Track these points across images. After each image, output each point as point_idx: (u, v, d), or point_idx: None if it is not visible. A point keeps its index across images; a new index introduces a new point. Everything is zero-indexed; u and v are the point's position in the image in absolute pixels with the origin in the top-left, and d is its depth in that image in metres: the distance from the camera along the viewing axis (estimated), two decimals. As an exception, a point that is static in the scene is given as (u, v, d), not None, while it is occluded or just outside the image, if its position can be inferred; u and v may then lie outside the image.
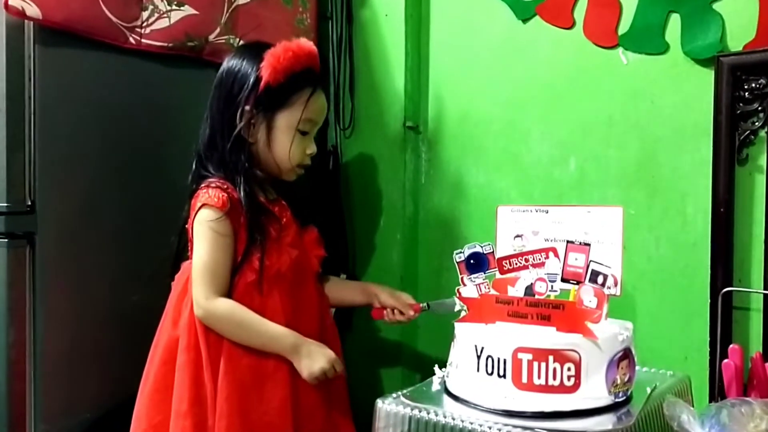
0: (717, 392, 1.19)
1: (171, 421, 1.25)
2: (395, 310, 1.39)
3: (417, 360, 1.65)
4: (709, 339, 1.25)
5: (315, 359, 1.23)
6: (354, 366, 1.45)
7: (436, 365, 1.17)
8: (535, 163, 1.48)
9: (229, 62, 1.31)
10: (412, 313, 1.38)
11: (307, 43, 1.28)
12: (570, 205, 1.16)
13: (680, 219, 1.30)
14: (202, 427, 1.22)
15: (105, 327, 1.41)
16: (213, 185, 1.26)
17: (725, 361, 1.17)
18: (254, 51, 1.28)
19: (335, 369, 1.24)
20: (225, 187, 1.26)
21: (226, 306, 1.23)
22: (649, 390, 1.07)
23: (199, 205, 1.25)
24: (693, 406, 1.16)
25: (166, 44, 1.42)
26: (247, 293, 1.25)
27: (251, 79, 1.26)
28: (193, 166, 1.32)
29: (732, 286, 1.23)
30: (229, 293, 1.25)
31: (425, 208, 1.66)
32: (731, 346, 1.18)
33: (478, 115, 1.57)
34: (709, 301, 1.25)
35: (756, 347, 1.21)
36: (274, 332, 1.24)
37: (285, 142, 1.30)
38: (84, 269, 1.37)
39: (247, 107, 1.27)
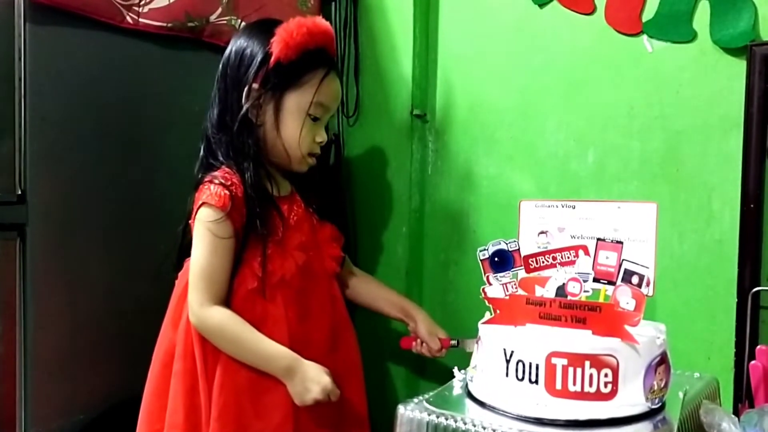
0: (744, 394, 1.15)
1: (165, 431, 1.18)
2: (424, 344, 1.33)
3: (420, 361, 1.59)
4: (734, 339, 1.20)
5: (308, 387, 1.14)
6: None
7: (455, 367, 1.11)
8: (551, 155, 1.42)
9: (238, 39, 1.23)
10: (441, 352, 1.32)
11: (322, 21, 1.21)
12: (599, 200, 1.11)
13: (706, 215, 1.25)
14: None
15: (99, 324, 1.34)
16: (216, 180, 1.17)
17: (753, 362, 1.12)
18: (265, 27, 1.21)
19: (332, 396, 1.15)
20: (229, 183, 1.17)
21: (219, 317, 1.15)
22: (681, 395, 1.02)
23: (199, 202, 1.17)
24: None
25: (165, 24, 1.34)
26: (248, 300, 1.18)
27: (260, 56, 1.18)
28: (201, 152, 1.24)
29: (760, 285, 1.18)
30: (229, 298, 1.18)
31: (432, 201, 1.60)
32: (759, 347, 1.13)
33: (490, 104, 1.51)
34: (735, 300, 1.20)
35: (784, 349, 1.17)
36: (268, 352, 1.15)
37: (294, 126, 1.21)
38: (78, 263, 1.30)
39: (255, 85, 1.19)
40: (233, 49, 1.23)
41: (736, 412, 1.16)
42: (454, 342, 1.32)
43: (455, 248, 1.57)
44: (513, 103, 1.47)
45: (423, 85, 1.59)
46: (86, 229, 1.31)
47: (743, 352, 1.17)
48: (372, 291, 1.40)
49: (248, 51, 1.20)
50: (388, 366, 1.65)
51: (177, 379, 1.19)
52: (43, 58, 1.22)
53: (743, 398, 1.15)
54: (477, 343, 1.04)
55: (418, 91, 1.58)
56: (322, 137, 1.26)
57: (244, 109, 1.19)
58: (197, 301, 1.16)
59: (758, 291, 1.18)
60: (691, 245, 1.27)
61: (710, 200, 1.25)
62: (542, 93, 1.43)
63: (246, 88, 1.19)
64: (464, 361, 1.10)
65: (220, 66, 1.24)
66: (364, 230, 1.69)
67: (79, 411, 1.32)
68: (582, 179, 1.38)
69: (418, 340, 1.35)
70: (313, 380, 1.14)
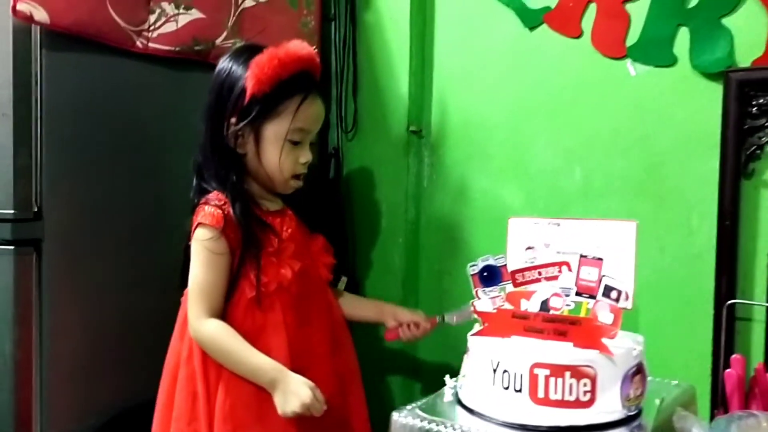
0: (719, 402, 1.22)
1: None
2: (410, 325, 1.39)
3: (416, 368, 1.67)
4: (711, 349, 1.27)
5: (288, 400, 1.17)
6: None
7: (447, 375, 1.18)
8: (540, 171, 1.49)
9: (219, 67, 1.28)
10: (428, 325, 1.38)
11: (296, 47, 1.22)
12: (582, 218, 1.17)
13: (685, 230, 1.32)
14: None
15: (112, 334, 1.40)
16: (211, 202, 1.24)
17: (728, 371, 1.19)
18: (244, 56, 1.24)
19: (312, 411, 1.18)
20: (222, 203, 1.23)
21: (212, 330, 1.21)
22: (658, 402, 1.09)
23: (196, 223, 1.24)
24: (698, 416, 1.19)
25: (173, 48, 1.41)
26: (248, 310, 1.24)
27: (237, 91, 1.23)
28: (194, 178, 1.30)
29: (735, 298, 1.25)
30: (229, 311, 1.24)
31: (427, 213, 1.67)
32: (734, 356, 1.21)
33: (483, 121, 1.57)
34: (712, 311, 1.27)
35: (758, 358, 1.23)
36: (255, 364, 1.20)
37: (274, 153, 1.25)
38: (91, 277, 1.37)
39: (233, 119, 1.24)
40: (214, 81, 1.27)
41: (713, 419, 1.23)
42: (439, 318, 1.39)
43: (449, 259, 1.64)
44: (505, 120, 1.54)
45: (419, 102, 1.65)
46: (99, 244, 1.38)
47: (719, 361, 1.24)
48: (352, 305, 1.45)
49: (226, 85, 1.24)
50: (384, 372, 1.72)
51: (181, 385, 1.25)
52: (58, 82, 1.29)
53: (719, 405, 1.22)
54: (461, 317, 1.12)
55: (414, 108, 1.65)
56: (306, 158, 1.29)
57: (225, 141, 1.24)
58: (194, 314, 1.23)
59: (733, 303, 1.24)
60: (671, 259, 1.34)
61: (689, 217, 1.32)
62: (532, 112, 1.50)
63: (226, 122, 1.24)
64: (455, 369, 1.17)
65: (207, 93, 1.28)
66: (363, 241, 1.76)
67: (93, 416, 1.38)
68: (569, 195, 1.45)
69: (403, 326, 1.40)
70: (293, 392, 1.17)
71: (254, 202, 1.28)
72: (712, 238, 1.28)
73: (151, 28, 1.37)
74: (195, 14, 1.42)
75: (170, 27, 1.39)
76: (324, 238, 1.39)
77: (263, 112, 1.23)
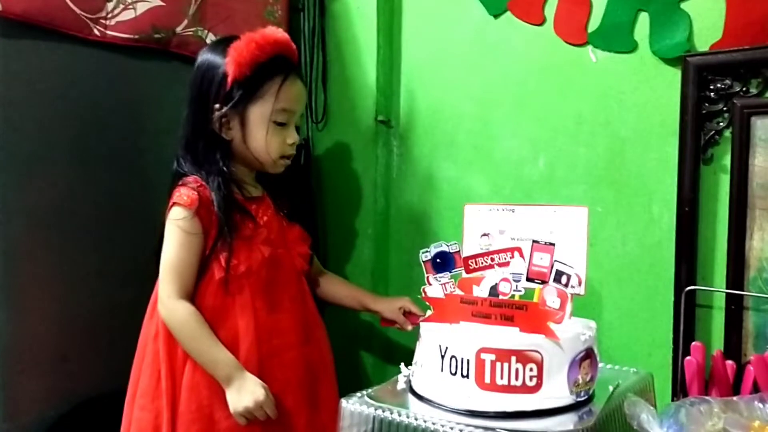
0: (679, 389, 1.21)
1: (134, 411, 1.26)
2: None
3: (388, 351, 1.66)
4: (672, 336, 1.26)
5: (242, 396, 1.19)
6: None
7: (402, 363, 1.17)
8: (506, 160, 1.48)
9: (199, 60, 1.30)
10: (409, 327, 1.40)
11: (272, 32, 1.26)
12: (536, 204, 1.16)
13: (646, 217, 1.31)
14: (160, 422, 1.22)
15: (72, 322, 1.39)
16: (187, 184, 1.26)
17: (687, 358, 1.18)
18: (221, 46, 1.27)
19: (265, 411, 1.20)
20: (198, 185, 1.25)
21: (180, 313, 1.22)
22: (611, 388, 1.08)
23: (171, 203, 1.25)
24: (655, 403, 1.19)
25: (132, 36, 1.40)
26: (218, 291, 1.25)
27: (218, 77, 1.25)
28: (174, 165, 1.31)
29: (695, 284, 1.24)
30: (199, 290, 1.25)
31: (396, 203, 1.66)
32: (693, 343, 1.19)
33: (450, 111, 1.56)
34: (673, 298, 1.26)
35: (717, 345, 1.22)
36: (214, 356, 1.21)
37: (260, 135, 1.28)
38: (53, 267, 1.36)
39: (217, 106, 1.26)
40: (196, 70, 1.29)
41: (672, 406, 1.22)
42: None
43: (419, 249, 1.61)
44: (471, 109, 1.53)
45: (387, 92, 1.64)
46: (61, 232, 1.36)
47: (679, 348, 1.23)
48: (338, 290, 1.48)
49: (208, 73, 1.27)
50: (358, 360, 1.71)
51: (147, 362, 1.27)
52: (14, 72, 1.27)
53: (679, 392, 1.21)
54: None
55: (382, 98, 1.64)
56: (293, 138, 1.32)
57: (211, 128, 1.27)
58: (165, 292, 1.24)
59: (693, 290, 1.23)
60: (633, 246, 1.33)
61: (650, 203, 1.30)
62: (497, 100, 1.49)
63: (210, 109, 1.26)
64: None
65: (188, 87, 1.30)
66: (332, 232, 1.75)
67: (51, 407, 1.36)
68: (534, 183, 1.44)
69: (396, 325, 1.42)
70: (248, 390, 1.19)
71: (237, 186, 1.30)
72: (672, 224, 1.27)
73: (109, 15, 1.36)
74: (154, 2, 1.40)
75: (128, 15, 1.38)
76: (300, 228, 1.40)
77: (246, 96, 1.25)
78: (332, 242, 1.75)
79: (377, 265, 1.67)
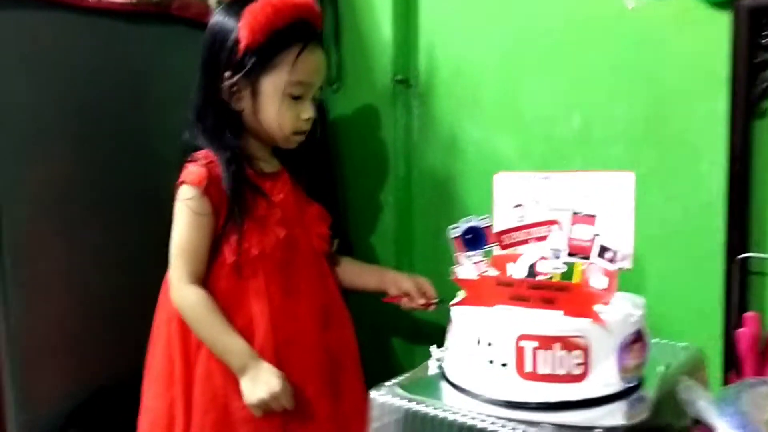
0: (732, 364, 1.13)
1: (147, 400, 1.21)
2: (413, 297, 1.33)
3: (416, 333, 1.58)
4: (722, 306, 1.17)
5: (257, 387, 1.12)
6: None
7: (433, 346, 1.09)
8: (536, 119, 1.37)
9: (212, 23, 1.21)
10: (421, 302, 1.31)
11: None
12: (574, 170, 1.07)
13: (693, 178, 1.20)
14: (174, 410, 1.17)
15: (86, 313, 1.34)
16: (197, 160, 1.18)
17: (740, 330, 1.10)
18: (236, 8, 1.17)
19: (281, 402, 1.13)
20: (208, 162, 1.17)
21: (194, 298, 1.15)
22: (661, 370, 1.00)
23: (179, 182, 1.18)
24: (708, 382, 1.10)
25: (129, 0, 1.30)
26: (230, 275, 1.18)
27: (230, 43, 1.15)
28: (185, 135, 1.23)
29: (748, 250, 1.14)
30: (211, 274, 1.18)
31: (418, 169, 1.56)
32: (747, 313, 1.11)
33: (473, 67, 1.45)
34: (723, 266, 1.16)
35: (773, 315, 1.13)
36: (227, 344, 1.15)
37: (272, 108, 1.19)
38: (60, 253, 1.30)
39: (228, 73, 1.17)
40: (207, 32, 1.20)
41: (726, 382, 1.14)
42: (435, 301, 1.32)
43: (444, 216, 1.52)
44: (496, 65, 1.42)
45: (404, 49, 1.53)
46: (65, 219, 1.30)
47: (731, 319, 1.14)
48: (351, 272, 1.39)
49: (219, 37, 1.18)
50: (385, 344, 1.64)
51: (161, 348, 1.22)
52: (3, 44, 1.19)
53: (731, 368, 1.13)
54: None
55: (399, 56, 1.53)
56: (308, 113, 1.23)
57: (221, 98, 1.18)
58: (176, 276, 1.18)
59: (746, 257, 1.14)
60: (677, 210, 1.22)
61: (697, 163, 1.20)
62: (525, 54, 1.37)
63: (221, 78, 1.17)
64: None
65: (201, 50, 1.21)
66: (352, 200, 1.66)
67: (70, 397, 1.32)
68: (567, 143, 1.33)
69: (407, 297, 1.34)
70: (262, 380, 1.13)
71: (249, 162, 1.22)
72: (721, 185, 1.16)
73: (102, -20, 1.26)
74: (150, -38, 1.30)
75: (123, -22, 1.28)
76: (320, 207, 1.32)
77: (259, 65, 1.16)
78: (352, 212, 1.66)
79: (400, 234, 1.59)
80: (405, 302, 1.34)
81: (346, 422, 1.24)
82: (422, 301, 1.33)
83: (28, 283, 1.24)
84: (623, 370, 0.91)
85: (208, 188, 1.17)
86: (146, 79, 1.39)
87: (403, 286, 1.34)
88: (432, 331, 1.51)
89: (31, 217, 1.25)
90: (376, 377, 1.31)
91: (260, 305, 1.18)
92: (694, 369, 1.07)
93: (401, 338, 1.62)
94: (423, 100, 1.53)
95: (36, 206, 1.25)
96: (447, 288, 1.35)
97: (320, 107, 1.64)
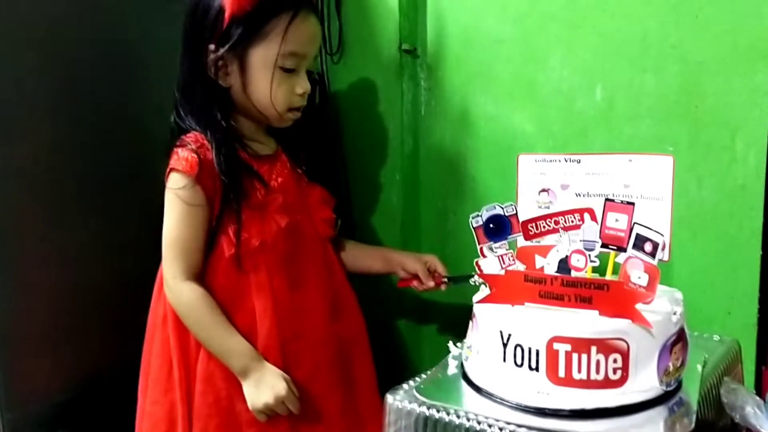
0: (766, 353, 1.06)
1: (146, 405, 1.13)
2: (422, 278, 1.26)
3: (425, 316, 1.50)
4: (758, 295, 1.09)
5: (261, 391, 1.05)
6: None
7: (450, 342, 1.02)
8: (554, 91, 1.27)
9: None
10: (432, 284, 1.24)
11: None
12: (607, 152, 0.98)
13: (728, 157, 1.12)
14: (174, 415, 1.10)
15: (75, 304, 1.26)
16: (186, 145, 1.08)
17: (779, 320, 1.03)
18: None
19: (287, 407, 1.06)
20: (199, 145, 1.07)
21: (190, 296, 1.07)
22: (700, 368, 0.92)
23: (168, 169, 1.08)
24: (743, 377, 1.03)
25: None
26: (229, 269, 1.09)
27: (213, 11, 1.05)
28: (172, 117, 1.13)
29: (787, 234, 1.07)
30: (208, 269, 1.10)
31: (426, 145, 1.47)
32: (786, 302, 1.04)
33: (486, 35, 1.35)
34: (760, 251, 1.09)
35: (814, 305, 1.06)
36: (227, 345, 1.07)
37: (264, 83, 1.09)
38: (47, 236, 1.22)
39: (212, 46, 1.06)
40: (188, 3, 1.09)
41: (759, 376, 1.07)
42: (444, 280, 1.26)
43: (454, 196, 1.45)
44: (512, 33, 1.31)
45: (411, 15, 1.42)
46: (53, 198, 1.22)
47: (767, 309, 1.07)
48: (355, 255, 1.30)
49: (201, 6, 1.07)
50: (392, 327, 1.56)
51: (157, 350, 1.14)
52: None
53: (767, 361, 1.06)
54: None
55: (406, 23, 1.43)
56: (303, 87, 1.13)
57: (205, 73, 1.08)
58: (170, 274, 1.09)
59: (786, 242, 1.06)
60: (710, 191, 1.14)
61: (733, 140, 1.11)
62: (544, 21, 1.27)
63: (205, 50, 1.07)
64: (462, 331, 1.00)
65: (181, 25, 1.11)
66: (356, 178, 1.57)
67: (58, 392, 1.25)
68: (589, 119, 1.24)
69: (417, 279, 1.27)
70: (267, 384, 1.06)
71: (241, 144, 1.12)
72: (760, 165, 1.08)
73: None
74: None
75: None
76: (323, 189, 1.23)
77: (246, 36, 1.07)
78: (356, 190, 1.57)
79: (407, 214, 1.50)
80: (416, 285, 1.27)
81: (358, 416, 1.18)
82: (431, 283, 1.26)
83: (7, 271, 1.17)
84: (664, 373, 0.83)
85: (201, 176, 1.07)
86: (134, 50, 1.31)
87: (409, 266, 1.27)
88: (437, 309, 1.45)
89: (12, 200, 1.17)
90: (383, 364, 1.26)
91: (263, 300, 1.10)
92: (731, 364, 1.00)
93: (408, 320, 1.54)
94: (431, 71, 1.43)
95: (15, 187, 1.17)
96: (455, 272, 1.29)
97: (320, 79, 1.55)
